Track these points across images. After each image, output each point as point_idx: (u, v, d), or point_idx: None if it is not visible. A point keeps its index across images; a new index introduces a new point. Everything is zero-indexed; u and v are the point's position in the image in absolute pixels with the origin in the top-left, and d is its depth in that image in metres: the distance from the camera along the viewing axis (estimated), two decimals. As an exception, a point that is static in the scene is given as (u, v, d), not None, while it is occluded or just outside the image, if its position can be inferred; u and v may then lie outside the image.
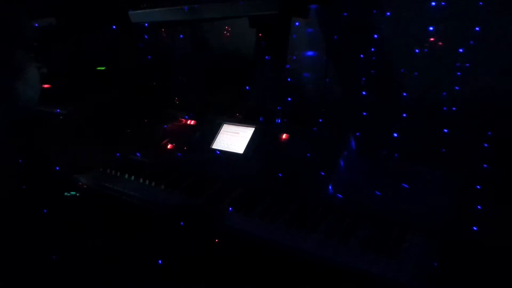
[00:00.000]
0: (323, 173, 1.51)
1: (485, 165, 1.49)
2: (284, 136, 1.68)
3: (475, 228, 1.25)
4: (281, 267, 1.41)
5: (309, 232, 1.32)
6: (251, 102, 1.97)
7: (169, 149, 1.95)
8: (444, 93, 1.71)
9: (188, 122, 2.02)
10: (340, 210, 1.41)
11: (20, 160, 1.95)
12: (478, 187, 1.39)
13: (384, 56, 1.86)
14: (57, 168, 2.06)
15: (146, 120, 2.32)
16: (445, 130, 1.69)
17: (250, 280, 1.55)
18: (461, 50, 1.61)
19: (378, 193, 1.41)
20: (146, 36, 2.65)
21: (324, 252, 1.24)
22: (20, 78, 1.99)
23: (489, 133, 1.58)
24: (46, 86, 2.35)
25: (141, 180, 1.79)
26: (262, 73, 1.92)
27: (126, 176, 1.86)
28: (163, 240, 1.73)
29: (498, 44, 1.55)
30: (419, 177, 1.43)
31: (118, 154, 2.07)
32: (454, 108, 1.68)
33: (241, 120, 1.87)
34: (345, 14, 1.85)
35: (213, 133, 1.87)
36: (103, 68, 2.63)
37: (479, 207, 1.34)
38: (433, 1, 1.62)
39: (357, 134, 1.59)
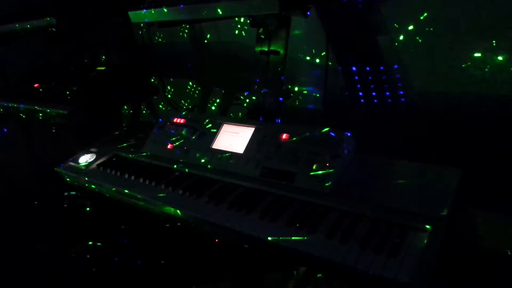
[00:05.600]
0: (322, 173, 1.51)
1: (484, 164, 1.49)
2: (284, 136, 1.68)
3: (474, 228, 1.25)
4: (281, 267, 1.41)
5: (309, 232, 1.32)
6: (251, 102, 1.97)
7: (169, 149, 1.95)
8: (443, 92, 1.71)
9: (188, 122, 2.02)
10: (340, 210, 1.41)
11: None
12: (478, 186, 1.40)
13: (384, 54, 1.86)
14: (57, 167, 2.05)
15: (145, 120, 2.32)
16: (445, 129, 1.69)
17: (249, 279, 1.55)
18: (460, 48, 1.61)
19: (378, 192, 1.41)
20: (145, 36, 2.65)
21: (324, 252, 1.24)
22: None
23: (488, 131, 1.58)
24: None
25: (141, 180, 1.79)
26: (262, 73, 1.92)
27: (126, 176, 1.86)
28: (162, 240, 1.73)
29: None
30: (419, 176, 1.43)
31: (116, 153, 2.07)
32: (453, 107, 1.68)
33: (241, 120, 1.87)
34: (345, 13, 1.86)
35: (213, 133, 1.87)
36: (103, 68, 2.63)
37: (478, 206, 1.34)
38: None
39: (357, 133, 1.59)
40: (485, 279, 1.18)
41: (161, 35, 2.79)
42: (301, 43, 2.06)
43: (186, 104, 2.81)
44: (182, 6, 1.80)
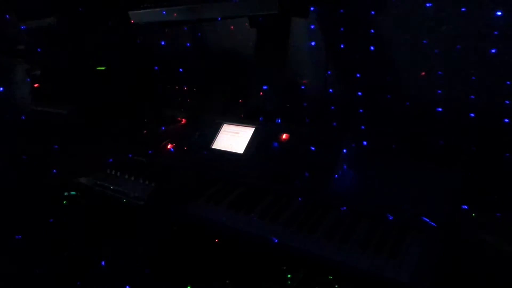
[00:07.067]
0: (322, 173, 1.51)
1: (483, 165, 1.49)
2: (284, 136, 1.68)
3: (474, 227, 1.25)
4: (281, 267, 1.41)
5: (309, 232, 1.32)
6: (251, 102, 1.97)
7: (169, 149, 1.95)
8: (440, 92, 1.71)
9: (188, 122, 2.02)
10: (340, 210, 1.41)
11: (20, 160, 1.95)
12: (477, 186, 1.40)
13: (384, 55, 1.86)
14: (55, 170, 2.06)
15: (146, 120, 2.32)
16: (445, 130, 1.69)
17: (249, 279, 1.55)
18: (460, 48, 1.61)
19: (379, 192, 1.41)
20: (145, 36, 2.65)
21: (324, 252, 1.24)
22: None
23: (488, 132, 1.58)
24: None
25: (141, 180, 1.79)
26: (262, 73, 1.92)
27: (126, 176, 1.86)
28: (162, 240, 1.73)
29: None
30: (419, 176, 1.44)
31: (117, 154, 2.07)
32: (453, 108, 1.68)
33: (241, 120, 1.87)
34: (345, 13, 1.86)
35: (213, 133, 1.87)
36: (103, 68, 2.63)
37: (478, 206, 1.34)
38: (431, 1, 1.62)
39: (357, 133, 1.59)
40: (485, 279, 1.18)
41: (161, 35, 2.79)
42: (301, 43, 2.06)
43: (186, 104, 2.81)
44: (182, 6, 1.80)
